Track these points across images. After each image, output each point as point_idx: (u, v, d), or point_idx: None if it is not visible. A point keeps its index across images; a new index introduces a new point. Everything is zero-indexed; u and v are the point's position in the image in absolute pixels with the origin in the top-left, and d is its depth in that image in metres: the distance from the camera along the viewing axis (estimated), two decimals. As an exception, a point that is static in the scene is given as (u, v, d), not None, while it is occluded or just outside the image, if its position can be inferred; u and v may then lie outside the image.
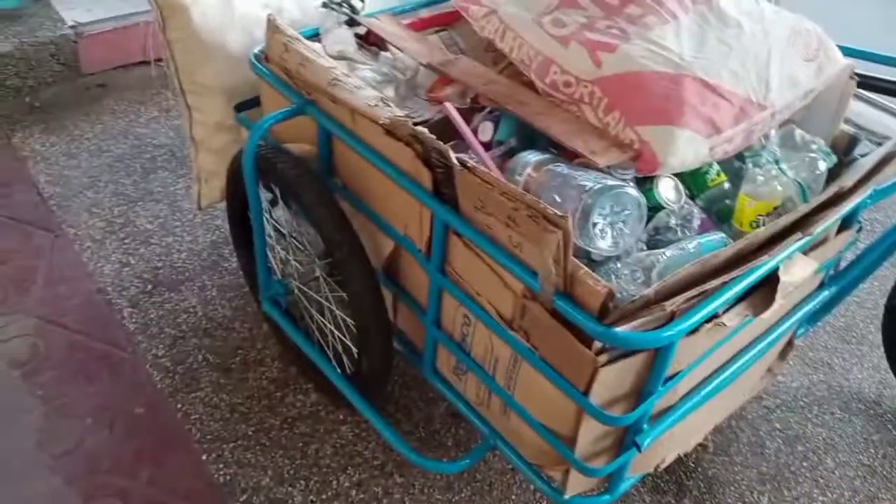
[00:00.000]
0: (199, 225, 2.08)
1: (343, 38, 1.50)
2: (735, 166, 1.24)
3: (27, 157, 2.27)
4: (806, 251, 1.10)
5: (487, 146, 1.26)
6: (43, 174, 2.21)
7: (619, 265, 1.05)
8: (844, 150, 1.30)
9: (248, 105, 1.57)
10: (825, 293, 1.35)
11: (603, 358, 0.96)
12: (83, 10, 2.56)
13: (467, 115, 1.32)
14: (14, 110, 2.43)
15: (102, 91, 2.55)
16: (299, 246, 1.49)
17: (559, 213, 0.92)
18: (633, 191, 1.06)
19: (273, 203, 1.48)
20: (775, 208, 1.12)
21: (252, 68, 1.45)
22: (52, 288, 1.86)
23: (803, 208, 1.06)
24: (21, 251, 1.97)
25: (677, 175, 1.19)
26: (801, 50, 1.23)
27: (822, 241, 1.19)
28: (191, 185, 1.74)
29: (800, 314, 1.29)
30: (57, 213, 2.08)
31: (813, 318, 1.50)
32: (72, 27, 2.48)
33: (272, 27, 1.37)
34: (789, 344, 1.48)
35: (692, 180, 1.21)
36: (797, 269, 1.05)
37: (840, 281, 1.38)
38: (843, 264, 1.43)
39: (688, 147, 1.11)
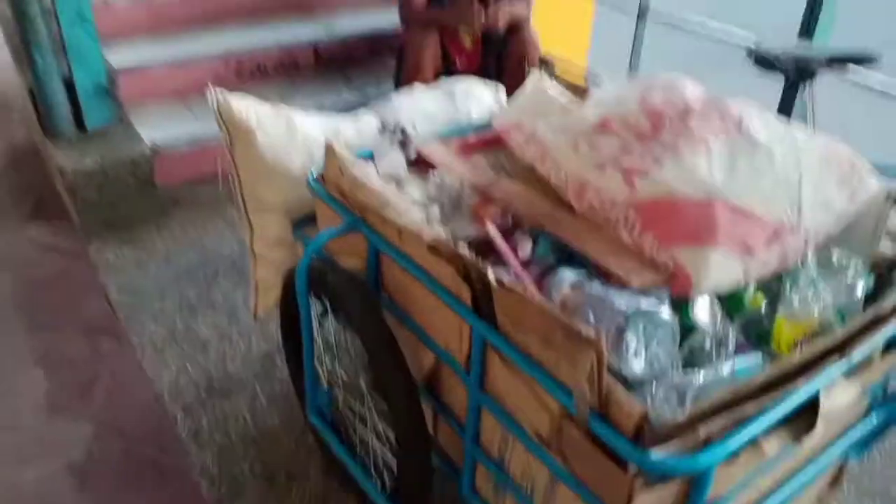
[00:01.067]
0: (254, 334, 2.16)
1: (395, 161, 1.60)
2: (773, 288, 1.24)
3: (100, 267, 2.42)
4: (848, 375, 1.09)
5: (527, 264, 1.31)
6: (114, 283, 2.35)
7: (654, 387, 1.06)
8: (887, 267, 1.29)
9: (304, 222, 1.67)
10: (874, 418, 1.30)
11: (639, 482, 0.95)
12: (161, 130, 2.79)
13: (508, 233, 1.37)
14: (93, 222, 2.62)
15: (174, 205, 2.74)
16: (346, 357, 1.54)
17: (593, 332, 0.94)
18: (666, 312, 1.08)
19: (323, 315, 1.54)
20: (814, 331, 1.11)
21: (309, 188, 1.55)
22: (113, 394, 1.95)
23: (842, 331, 1.05)
24: (87, 358, 2.08)
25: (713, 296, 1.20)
26: (834, 174, 1.25)
27: (865, 364, 1.17)
28: (249, 295, 1.83)
29: (848, 440, 1.25)
30: (123, 321, 2.19)
31: (864, 444, 1.45)
32: (150, 146, 2.69)
33: (329, 150, 1.47)
34: (840, 472, 1.42)
35: (729, 302, 1.22)
36: (839, 394, 1.04)
37: (889, 405, 1.34)
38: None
39: (721, 269, 1.13)
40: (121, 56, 2.87)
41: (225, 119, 1.61)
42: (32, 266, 2.45)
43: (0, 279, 2.39)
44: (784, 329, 1.14)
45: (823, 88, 2.01)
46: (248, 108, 1.62)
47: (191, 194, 2.77)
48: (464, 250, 1.15)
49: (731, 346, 1.13)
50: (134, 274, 2.39)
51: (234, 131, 1.61)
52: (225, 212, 2.70)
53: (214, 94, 1.60)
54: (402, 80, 2.81)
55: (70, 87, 2.65)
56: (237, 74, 3.07)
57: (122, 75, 2.82)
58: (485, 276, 1.11)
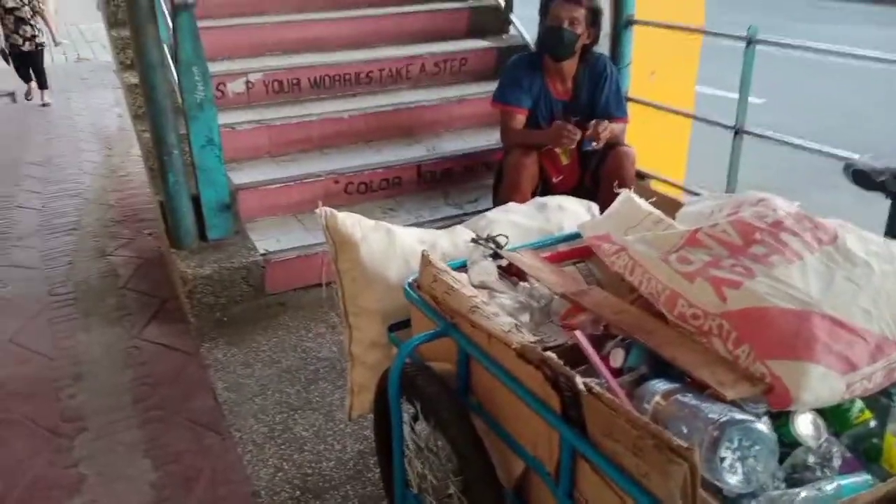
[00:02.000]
0: (349, 435, 2.20)
1: (487, 270, 1.67)
2: (882, 403, 1.19)
3: (210, 366, 2.57)
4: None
5: (618, 373, 1.31)
6: (221, 381, 2.48)
7: (752, 503, 1.02)
8: None
9: (399, 326, 1.74)
10: None
11: None
12: (273, 240, 3.01)
13: (599, 342, 1.39)
14: (205, 324, 2.81)
15: (280, 309, 2.90)
16: (436, 461, 1.55)
17: (685, 444, 0.93)
18: (763, 425, 1.05)
19: (415, 418, 1.57)
20: (928, 451, 1.05)
21: (405, 295, 1.63)
22: (213, 488, 2.02)
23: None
24: (191, 451, 2.18)
25: (819, 410, 1.16)
26: (939, 289, 1.21)
27: None
28: (345, 396, 1.89)
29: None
30: (228, 418, 2.30)
31: None
32: (262, 255, 2.90)
33: (425, 261, 1.56)
34: None
35: (834, 417, 1.17)
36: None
37: None
38: None
39: (822, 383, 1.10)
40: (242, 175, 3.16)
41: (332, 233, 1.73)
42: (150, 364, 2.63)
43: (122, 375, 2.57)
44: (895, 446, 1.07)
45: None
46: (353, 222, 1.74)
47: (296, 299, 2.93)
48: (552, 357, 1.17)
49: (837, 463, 1.07)
50: (240, 372, 2.52)
51: (339, 243, 1.73)
52: (326, 316, 2.83)
53: (323, 210, 1.73)
54: (500, 197, 2.92)
55: (196, 202, 2.93)
56: (345, 191, 3.29)
57: (242, 192, 3.09)
58: (574, 383, 1.12)
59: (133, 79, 3.29)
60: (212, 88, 2.79)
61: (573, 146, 2.88)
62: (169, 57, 2.84)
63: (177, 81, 2.79)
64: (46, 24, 6.90)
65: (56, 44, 7.10)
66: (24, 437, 2.28)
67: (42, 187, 4.60)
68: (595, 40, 3.00)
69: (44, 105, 6.80)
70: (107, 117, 6.33)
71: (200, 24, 2.70)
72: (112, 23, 3.71)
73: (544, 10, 2.94)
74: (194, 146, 2.81)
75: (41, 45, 6.81)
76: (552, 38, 2.89)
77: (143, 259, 3.50)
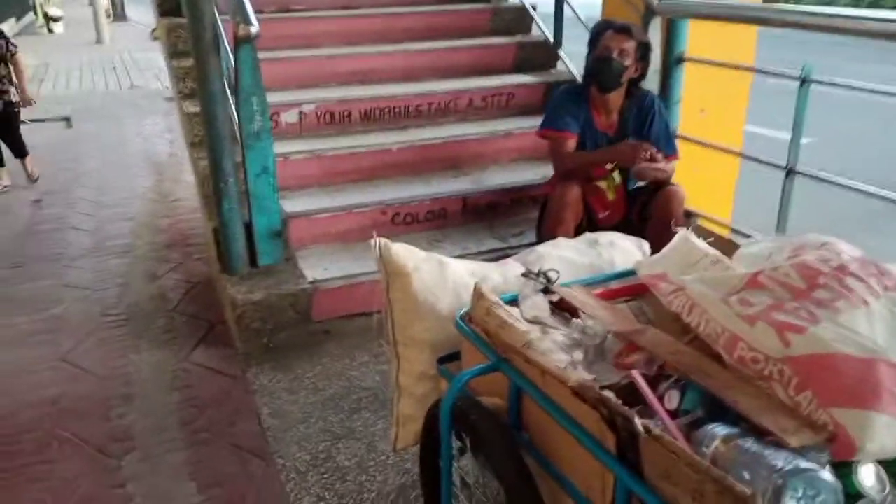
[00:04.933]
0: (391, 467, 2.20)
1: (539, 305, 1.66)
2: (951, 457, 1.15)
3: (256, 391, 2.60)
4: None
5: (674, 415, 1.29)
6: (266, 406, 2.51)
7: (817, 555, 0.99)
8: None
9: (449, 358, 1.74)
10: None
11: None
12: (321, 268, 3.05)
13: (653, 382, 1.37)
14: (252, 349, 2.85)
15: (326, 336, 2.93)
16: (482, 498, 1.54)
17: (748, 490, 0.92)
18: (828, 475, 1.03)
19: (461, 451, 1.57)
20: None
21: (457, 327, 1.63)
22: (257, 513, 2.04)
23: None
24: (237, 476, 2.20)
25: (883, 462, 1.13)
26: None
27: None
28: (389, 427, 1.89)
29: None
30: (272, 444, 2.32)
31: None
32: (310, 282, 2.94)
33: (478, 293, 1.56)
34: None
35: (899, 469, 1.14)
36: None
37: None
38: None
39: (888, 433, 1.07)
40: (292, 203, 3.23)
41: (385, 263, 1.75)
42: (197, 387, 2.68)
43: (169, 398, 2.62)
44: (965, 504, 1.04)
45: None
46: (406, 253, 1.76)
47: (340, 328, 2.96)
48: (610, 396, 1.16)
49: (904, 519, 1.04)
50: (285, 399, 2.55)
51: (392, 274, 1.75)
52: (370, 345, 2.85)
53: (378, 241, 1.76)
54: (544, 231, 2.92)
55: (248, 229, 2.99)
56: (392, 221, 3.33)
57: (293, 220, 3.15)
58: (631, 422, 1.11)
59: (192, 107, 3.40)
60: (269, 118, 2.87)
61: (650, 166, 2.83)
62: (228, 87, 2.93)
63: (235, 111, 2.87)
64: (18, 78, 5.18)
65: (28, 104, 5.34)
66: (73, 455, 2.33)
67: (95, 210, 4.75)
68: (643, 75, 3.00)
69: (33, 181, 5.30)
70: (158, 144, 6.52)
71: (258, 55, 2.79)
72: (172, 53, 3.85)
73: (594, 42, 2.96)
74: (250, 174, 2.88)
75: (13, 104, 5.12)
76: (600, 67, 2.90)
77: (192, 283, 3.58)
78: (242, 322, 2.83)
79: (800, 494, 1.01)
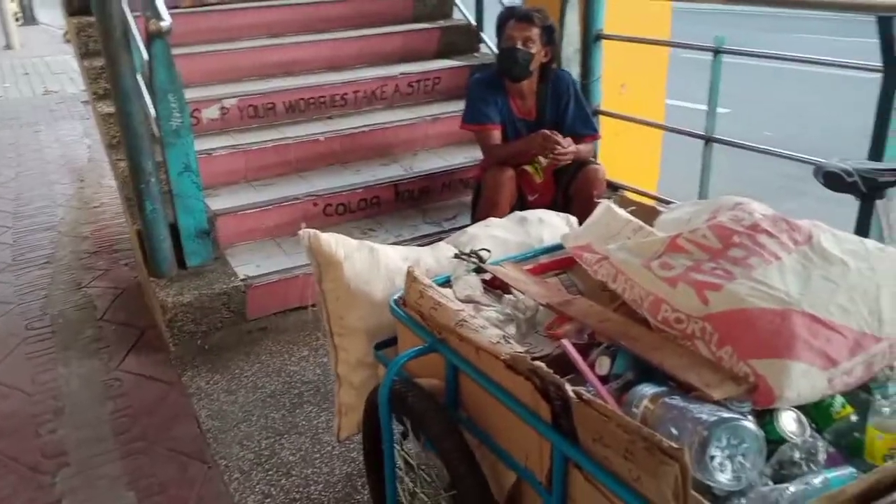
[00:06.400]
0: (336, 457, 2.19)
1: (471, 284, 1.68)
2: (862, 398, 1.21)
3: (192, 394, 2.54)
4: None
5: (605, 380, 1.32)
6: (204, 409, 2.45)
7: (742, 500, 1.03)
8: None
9: (386, 344, 1.74)
10: None
11: None
12: (254, 265, 2.99)
13: (585, 350, 1.40)
14: (187, 352, 2.78)
15: (262, 334, 2.88)
16: (426, 478, 1.55)
17: (675, 445, 0.94)
18: (749, 423, 1.07)
19: (404, 436, 1.57)
20: (909, 441, 1.07)
21: (391, 312, 1.63)
22: (200, 517, 1.99)
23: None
24: (177, 481, 2.15)
25: (801, 407, 1.18)
26: (912, 283, 1.25)
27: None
28: (332, 418, 1.88)
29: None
30: (212, 446, 2.27)
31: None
32: (242, 280, 2.88)
33: (410, 277, 1.56)
34: None
35: (816, 413, 1.20)
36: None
37: None
38: None
39: (803, 380, 1.12)
40: (219, 201, 3.15)
41: (315, 253, 1.73)
42: (131, 395, 2.59)
43: (101, 409, 2.53)
44: (876, 439, 1.10)
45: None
46: (336, 242, 1.75)
47: (277, 323, 2.91)
48: (541, 366, 1.18)
49: (822, 458, 1.09)
50: (224, 399, 2.50)
51: (323, 264, 1.74)
52: (309, 339, 2.81)
53: (306, 232, 1.74)
54: (479, 214, 2.93)
55: (174, 230, 2.91)
56: (324, 212, 3.29)
57: (221, 218, 3.08)
58: (564, 391, 1.13)
59: (107, 108, 3.27)
60: (188, 115, 2.79)
61: (556, 154, 2.89)
62: (143, 85, 2.83)
63: (152, 109, 2.78)
64: None
65: None
66: (3, 475, 2.23)
67: (13, 222, 4.53)
68: (552, 58, 3.05)
69: None
70: (77, 149, 6.26)
71: (174, 51, 2.70)
72: (84, 53, 3.70)
73: (500, 32, 2.98)
74: (171, 173, 2.79)
75: None
76: (507, 58, 2.93)
77: (120, 290, 3.46)
78: (174, 325, 2.75)
79: (724, 444, 1.05)
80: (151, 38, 2.60)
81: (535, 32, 2.90)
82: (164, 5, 2.66)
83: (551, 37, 2.97)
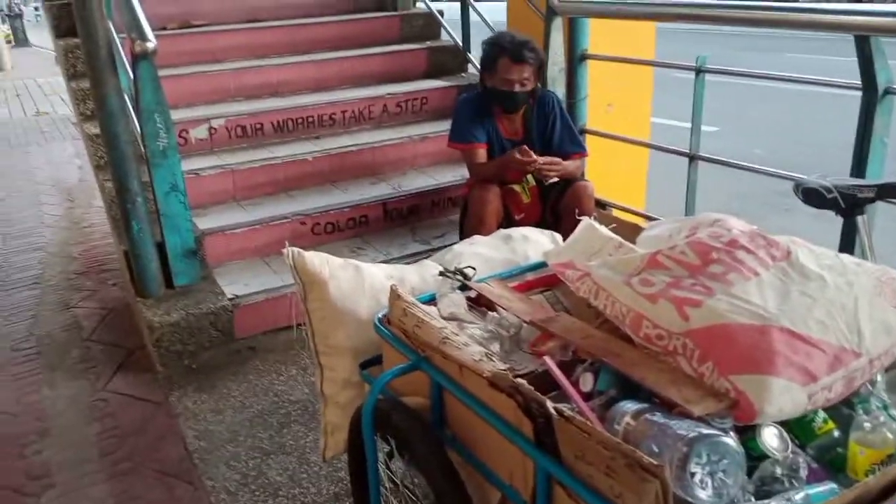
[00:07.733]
0: (323, 477, 2.17)
1: (455, 302, 1.68)
2: (844, 413, 1.22)
3: (179, 414, 2.53)
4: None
5: (588, 397, 1.32)
6: (191, 429, 2.44)
7: (724, 517, 1.03)
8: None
9: (372, 363, 1.74)
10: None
11: None
12: (242, 284, 2.99)
13: (569, 367, 1.40)
14: (174, 372, 2.76)
15: (251, 353, 2.87)
16: (412, 497, 1.54)
17: (656, 462, 0.95)
18: (730, 439, 1.07)
19: (390, 455, 1.56)
20: (889, 456, 1.08)
21: (375, 330, 1.63)
22: (186, 539, 1.97)
23: (919, 455, 1.02)
24: (163, 502, 2.12)
25: (783, 423, 1.19)
26: (890, 298, 1.26)
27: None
28: (319, 437, 1.87)
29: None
30: (199, 466, 2.25)
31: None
32: (230, 299, 2.87)
33: (394, 295, 1.56)
34: None
35: (798, 429, 1.20)
36: (923, 523, 0.98)
37: None
38: None
39: (784, 395, 1.13)
40: (207, 220, 3.15)
41: (300, 272, 1.73)
42: (117, 416, 2.58)
43: (88, 430, 2.51)
44: (858, 455, 1.10)
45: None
46: (320, 261, 1.75)
47: (266, 343, 2.90)
48: (523, 384, 1.18)
49: (804, 474, 1.10)
50: (211, 420, 2.48)
51: (307, 283, 1.73)
52: (297, 358, 2.80)
53: (290, 251, 1.74)
54: (466, 232, 2.93)
55: (161, 250, 2.90)
56: (312, 231, 3.29)
57: (208, 237, 3.07)
58: (546, 408, 1.13)
59: (94, 129, 3.27)
60: (175, 135, 2.79)
61: (530, 172, 2.91)
62: (130, 106, 2.84)
63: (139, 130, 2.78)
64: None
65: None
66: (-14, 498, 2.21)
67: (2, 243, 4.52)
68: (541, 82, 3.11)
69: None
70: (67, 170, 6.26)
71: (161, 72, 2.71)
72: (71, 75, 3.71)
73: (490, 65, 2.97)
74: (158, 193, 2.79)
75: None
76: (507, 99, 2.97)
77: (107, 310, 3.45)
78: (161, 345, 2.74)
79: (704, 460, 1.05)
80: (137, 59, 2.61)
81: (530, 71, 2.94)
82: (149, 27, 2.67)
83: (541, 67, 3.05)
